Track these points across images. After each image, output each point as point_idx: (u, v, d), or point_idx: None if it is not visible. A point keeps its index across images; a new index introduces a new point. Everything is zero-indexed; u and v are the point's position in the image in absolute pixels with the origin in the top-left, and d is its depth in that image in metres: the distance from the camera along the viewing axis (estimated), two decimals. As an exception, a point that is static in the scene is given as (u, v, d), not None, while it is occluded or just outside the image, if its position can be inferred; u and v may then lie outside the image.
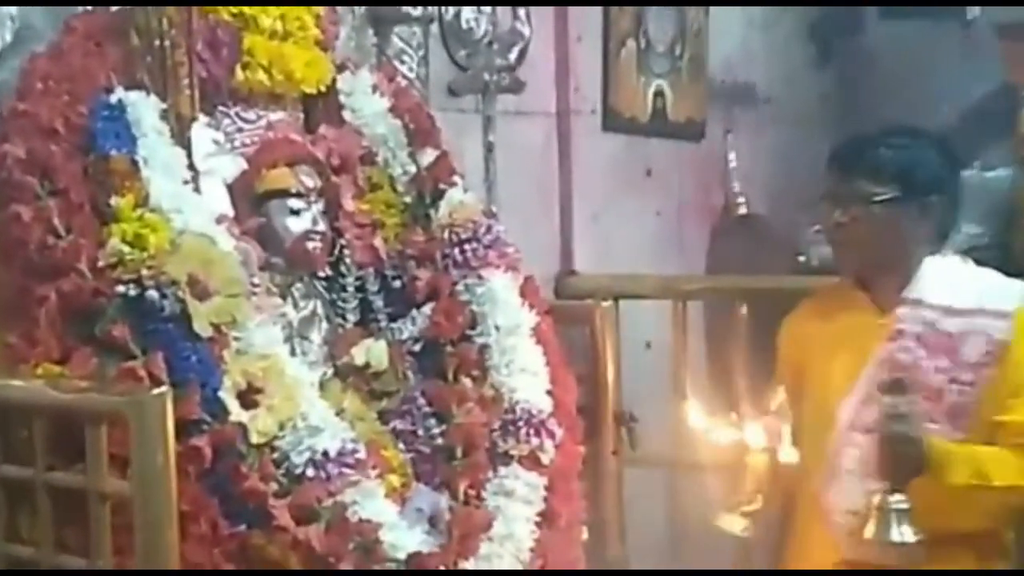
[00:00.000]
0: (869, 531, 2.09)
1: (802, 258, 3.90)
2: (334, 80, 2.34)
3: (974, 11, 4.52)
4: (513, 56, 3.27)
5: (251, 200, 2.17)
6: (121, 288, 1.88)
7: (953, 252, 2.36)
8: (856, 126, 3.38)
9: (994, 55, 4.32)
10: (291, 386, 1.93)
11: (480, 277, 2.33)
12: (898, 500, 2.07)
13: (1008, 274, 2.39)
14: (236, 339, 1.92)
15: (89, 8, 2.18)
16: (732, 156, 4.17)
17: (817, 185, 2.36)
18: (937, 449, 2.08)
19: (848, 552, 2.19)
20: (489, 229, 2.39)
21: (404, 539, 1.96)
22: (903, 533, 2.07)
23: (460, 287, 2.33)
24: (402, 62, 2.85)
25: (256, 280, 2.06)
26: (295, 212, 2.19)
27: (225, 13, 2.12)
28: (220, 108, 2.17)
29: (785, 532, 2.40)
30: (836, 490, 2.17)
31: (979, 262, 2.37)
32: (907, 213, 2.24)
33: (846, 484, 2.16)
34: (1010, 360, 2.17)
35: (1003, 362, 2.17)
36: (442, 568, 2.00)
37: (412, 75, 2.86)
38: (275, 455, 1.89)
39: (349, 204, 2.30)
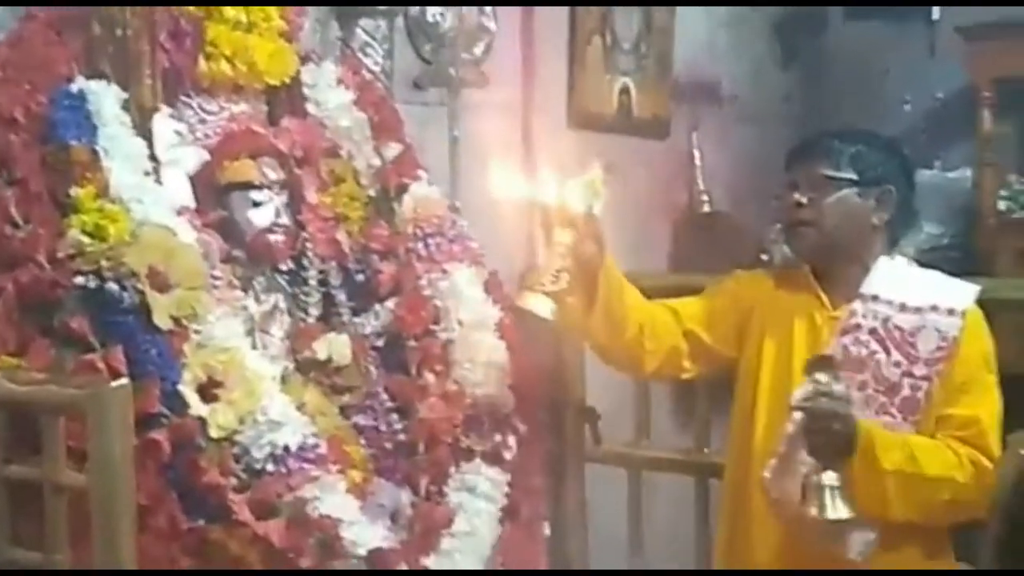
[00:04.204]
0: (811, 511, 2.11)
1: (765, 256, 3.93)
2: (298, 72, 2.34)
3: (937, 12, 4.57)
4: (479, 51, 3.27)
5: (213, 192, 2.16)
6: (80, 279, 1.87)
7: (914, 251, 2.39)
8: (819, 125, 3.40)
9: (957, 56, 4.36)
10: (252, 380, 1.93)
11: (444, 271, 2.34)
12: (830, 477, 2.09)
13: (969, 274, 2.43)
14: (196, 332, 1.91)
15: None
16: (697, 154, 4.18)
17: (778, 185, 2.39)
18: (868, 433, 2.12)
19: (798, 538, 2.21)
20: (453, 224, 2.41)
21: (365, 535, 1.95)
22: (837, 509, 2.08)
23: (424, 281, 2.33)
24: (367, 55, 2.84)
25: (217, 273, 2.06)
26: (257, 204, 2.18)
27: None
28: (182, 99, 2.16)
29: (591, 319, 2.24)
30: (789, 480, 2.19)
31: (940, 262, 2.41)
32: (863, 201, 2.29)
33: (799, 474, 2.18)
34: (959, 356, 2.22)
35: (953, 358, 2.21)
36: (404, 566, 2.00)
37: (377, 68, 2.86)
38: (235, 449, 1.89)
39: (312, 197, 2.29)
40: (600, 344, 2.34)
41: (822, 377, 2.10)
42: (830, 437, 2.10)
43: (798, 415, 2.17)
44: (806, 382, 2.13)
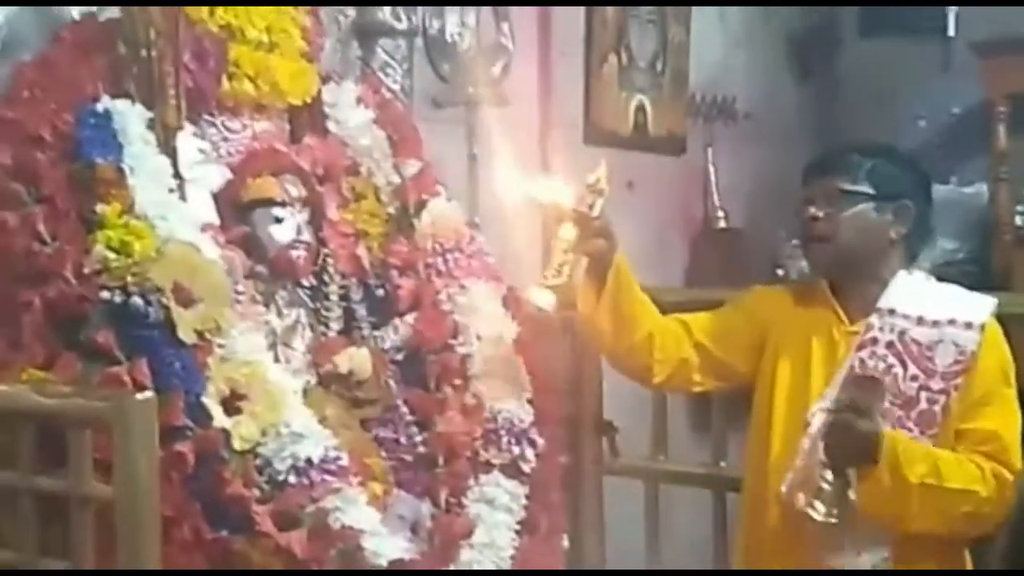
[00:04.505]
0: (803, 505, 2.13)
1: (780, 271, 3.94)
2: (319, 91, 2.36)
3: (952, 29, 4.58)
4: (496, 69, 3.30)
5: (236, 209, 2.19)
6: (106, 295, 1.89)
7: (930, 266, 2.40)
8: (834, 141, 3.42)
9: (972, 72, 4.37)
10: (274, 393, 1.95)
11: (463, 287, 2.36)
12: (829, 480, 2.12)
13: (986, 289, 2.43)
14: (220, 346, 1.94)
15: (76, 17, 2.20)
16: (712, 170, 4.20)
17: (795, 200, 2.40)
18: (895, 443, 2.12)
19: (815, 552, 2.22)
20: (471, 239, 2.42)
21: (385, 546, 1.97)
22: (825, 511, 2.12)
23: (443, 296, 2.35)
24: (387, 74, 2.87)
25: (240, 288, 2.09)
26: (279, 221, 2.21)
27: (212, 24, 2.14)
28: (206, 118, 2.19)
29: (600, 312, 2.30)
30: (807, 494, 2.20)
31: (956, 277, 2.41)
32: (880, 215, 2.29)
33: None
34: (978, 370, 2.22)
35: (971, 372, 2.21)
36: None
37: (396, 87, 2.89)
38: (258, 461, 1.90)
39: (333, 214, 2.31)
40: (608, 344, 2.35)
41: (858, 393, 2.13)
42: (844, 449, 2.11)
43: (815, 427, 2.18)
44: (841, 390, 2.15)
